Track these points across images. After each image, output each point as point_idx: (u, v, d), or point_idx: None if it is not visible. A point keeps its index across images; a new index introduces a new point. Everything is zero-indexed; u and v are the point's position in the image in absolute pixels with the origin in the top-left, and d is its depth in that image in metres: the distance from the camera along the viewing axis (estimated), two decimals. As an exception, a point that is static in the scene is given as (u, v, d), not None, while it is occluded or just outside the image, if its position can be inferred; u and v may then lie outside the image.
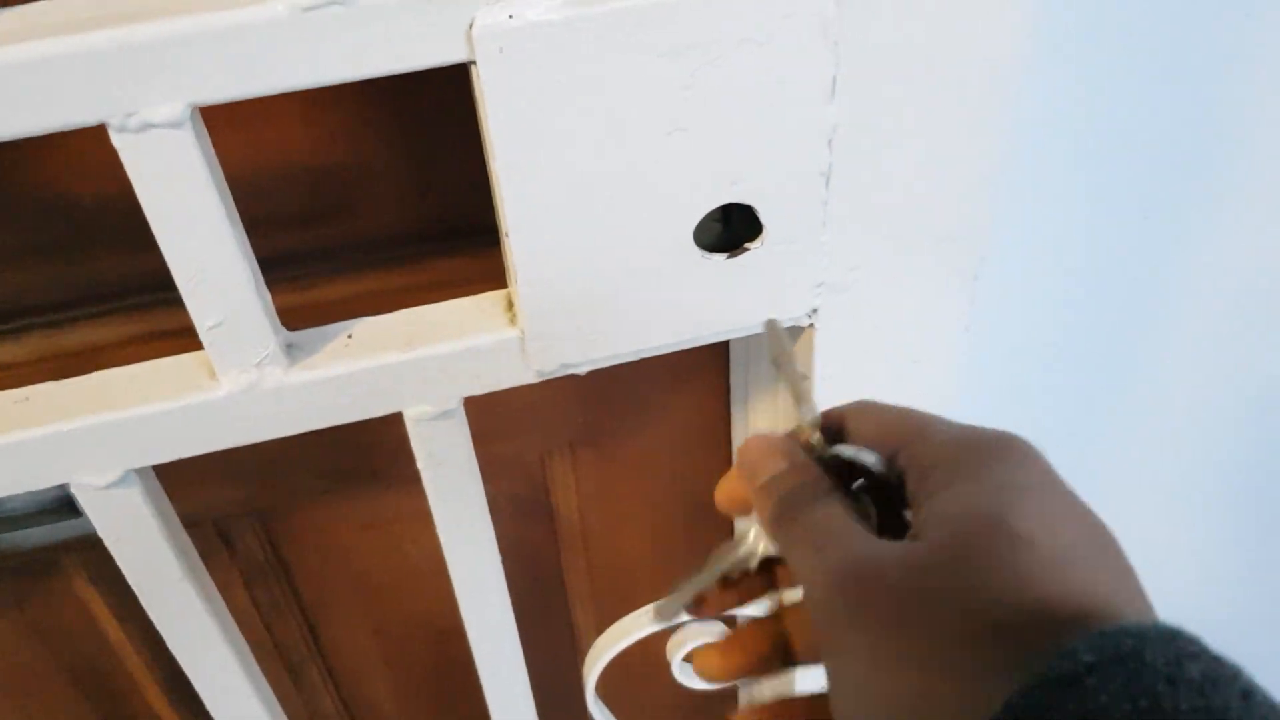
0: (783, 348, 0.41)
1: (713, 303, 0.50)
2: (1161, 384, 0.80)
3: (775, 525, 0.33)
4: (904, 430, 0.34)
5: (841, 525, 0.31)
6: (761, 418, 0.71)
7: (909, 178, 0.49)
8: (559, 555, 0.85)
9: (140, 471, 0.51)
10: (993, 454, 0.31)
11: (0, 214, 0.56)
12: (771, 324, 0.42)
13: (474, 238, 0.64)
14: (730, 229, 0.50)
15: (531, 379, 0.52)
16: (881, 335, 0.54)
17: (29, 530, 0.71)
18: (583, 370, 0.52)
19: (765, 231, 0.48)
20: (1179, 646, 0.23)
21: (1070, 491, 0.30)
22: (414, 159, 0.60)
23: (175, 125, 0.39)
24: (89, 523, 0.66)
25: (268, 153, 0.58)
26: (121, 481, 0.50)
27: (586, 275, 0.48)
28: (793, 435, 0.37)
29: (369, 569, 0.81)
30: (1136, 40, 0.59)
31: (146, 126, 0.39)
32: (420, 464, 0.55)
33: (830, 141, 0.46)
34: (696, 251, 0.48)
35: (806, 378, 0.55)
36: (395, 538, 0.80)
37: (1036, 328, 0.73)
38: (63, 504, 0.69)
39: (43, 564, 0.74)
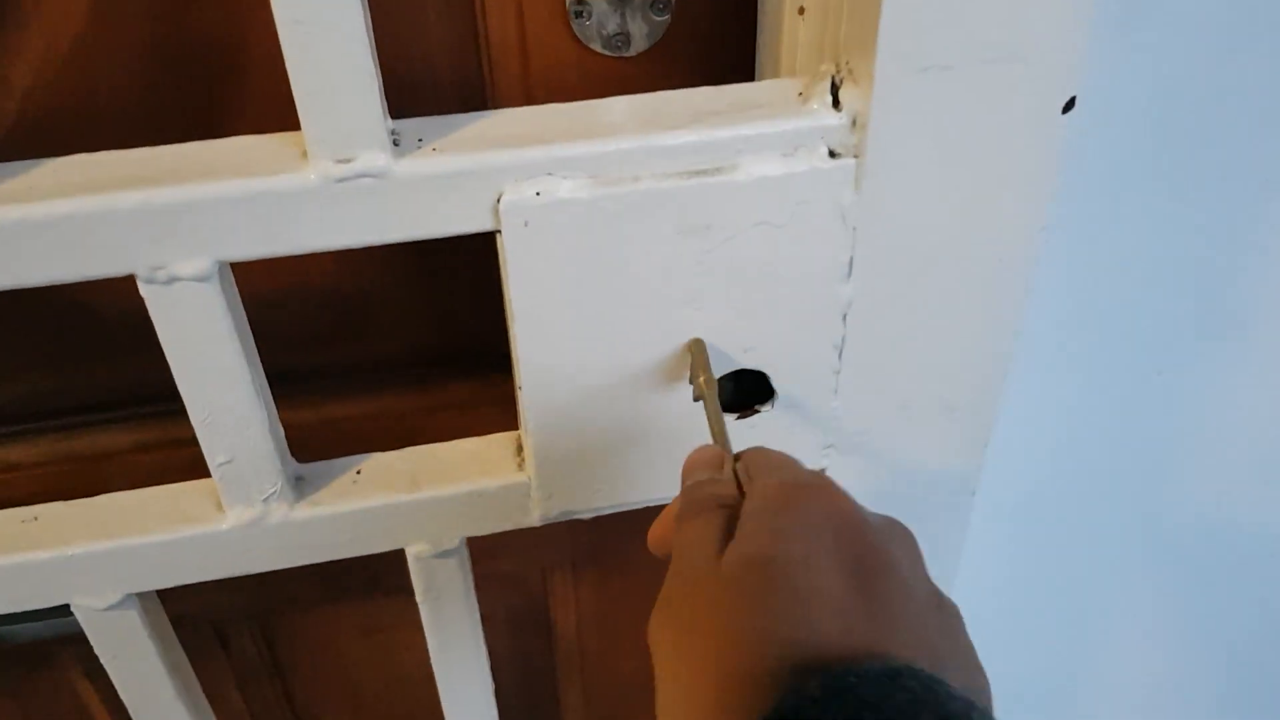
0: (706, 374, 0.43)
1: (720, 461, 0.51)
2: (1162, 547, 0.79)
3: (677, 520, 0.37)
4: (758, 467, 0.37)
5: (699, 541, 0.34)
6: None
7: (919, 349, 0.49)
8: (555, 671, 0.85)
9: (141, 594, 0.51)
10: (793, 501, 0.33)
11: (20, 320, 0.57)
12: (697, 344, 0.45)
13: (483, 362, 0.65)
14: (741, 386, 0.51)
15: (534, 523, 0.52)
16: (888, 497, 0.54)
17: (28, 625, 0.71)
18: (586, 516, 0.52)
19: (777, 396, 0.49)
20: (897, 683, 0.27)
21: (849, 536, 0.32)
22: (429, 285, 0.61)
23: (202, 279, 0.40)
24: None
25: (289, 273, 0.59)
26: (121, 604, 0.50)
27: (597, 430, 0.48)
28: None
29: (362, 674, 0.81)
30: (1141, 221, 0.60)
31: (174, 280, 0.40)
32: (419, 597, 0.55)
33: (845, 316, 0.47)
34: (705, 413, 0.49)
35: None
36: (390, 645, 0.79)
37: (1046, 488, 0.73)
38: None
39: (40, 656, 0.74)
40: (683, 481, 0.40)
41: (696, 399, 0.44)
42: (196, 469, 0.58)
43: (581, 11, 0.49)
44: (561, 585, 0.79)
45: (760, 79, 0.52)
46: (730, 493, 0.37)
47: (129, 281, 0.42)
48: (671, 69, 0.53)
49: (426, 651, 0.79)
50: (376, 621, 0.77)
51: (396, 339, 0.63)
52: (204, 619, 0.73)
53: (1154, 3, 0.50)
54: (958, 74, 0.40)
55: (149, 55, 0.49)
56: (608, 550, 0.77)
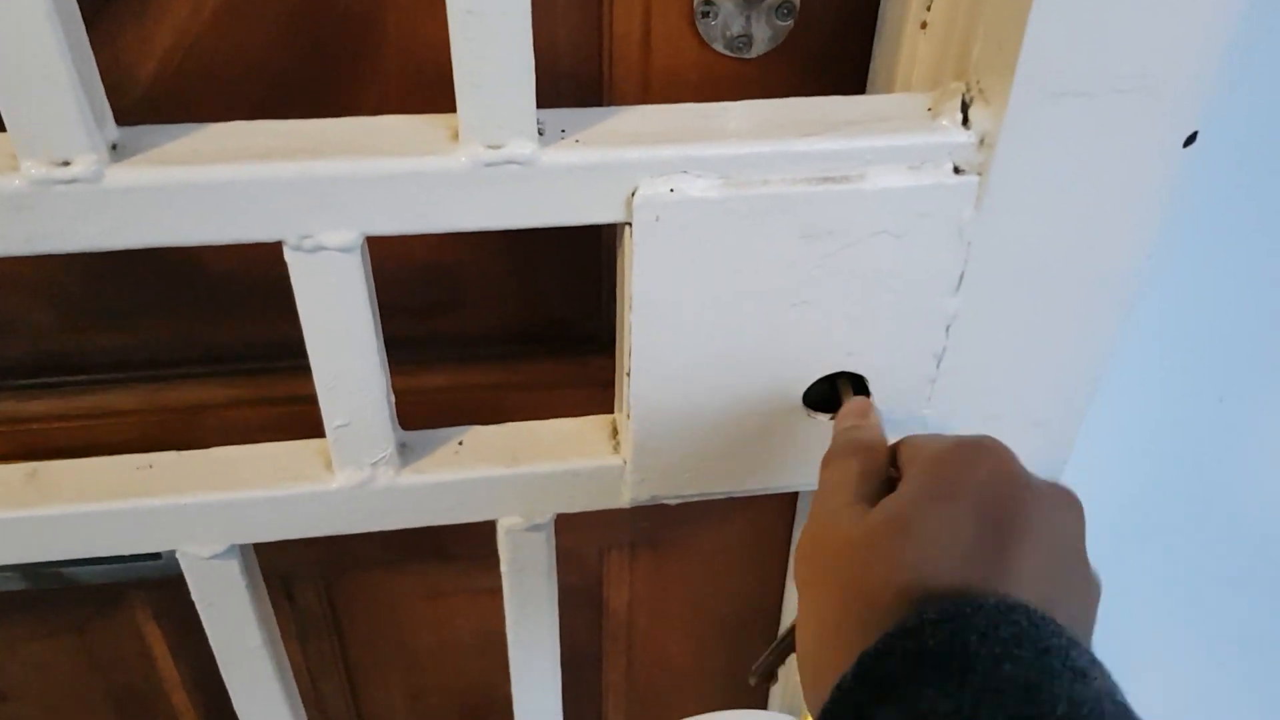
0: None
1: (811, 458, 0.52)
2: (1223, 564, 0.80)
3: (822, 463, 0.40)
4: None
5: (840, 484, 0.38)
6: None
7: (1015, 365, 0.50)
8: (601, 648, 0.87)
9: (242, 546, 0.53)
10: (957, 459, 0.36)
11: (127, 273, 0.59)
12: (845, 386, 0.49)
13: (571, 344, 0.66)
14: (835, 389, 0.52)
15: (624, 504, 0.54)
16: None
17: (99, 567, 0.73)
18: (673, 503, 0.54)
19: (872, 399, 0.50)
20: (1007, 617, 0.30)
21: (1002, 493, 0.34)
22: (524, 265, 0.63)
23: (346, 250, 0.42)
24: (164, 566, 0.69)
25: (392, 245, 0.61)
26: (225, 554, 0.52)
27: (697, 421, 0.50)
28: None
29: (417, 638, 0.83)
30: (1210, 252, 0.61)
31: (319, 249, 0.42)
32: (504, 568, 0.57)
33: (948, 328, 0.48)
34: (803, 411, 0.50)
35: None
36: (448, 611, 0.81)
37: (1127, 507, 0.74)
38: (142, 544, 0.72)
39: (109, 596, 0.76)
40: (840, 416, 0.45)
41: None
42: (284, 427, 0.60)
43: (709, 12, 0.51)
44: (617, 565, 0.81)
45: (874, 89, 0.54)
46: (871, 437, 0.40)
47: (243, 245, 0.43)
48: (788, 74, 0.54)
49: (481, 619, 0.81)
50: (438, 588, 0.79)
51: (487, 316, 0.65)
52: (273, 572, 0.75)
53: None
54: (1089, 102, 0.41)
55: (288, 24, 0.51)
56: (666, 535, 0.79)
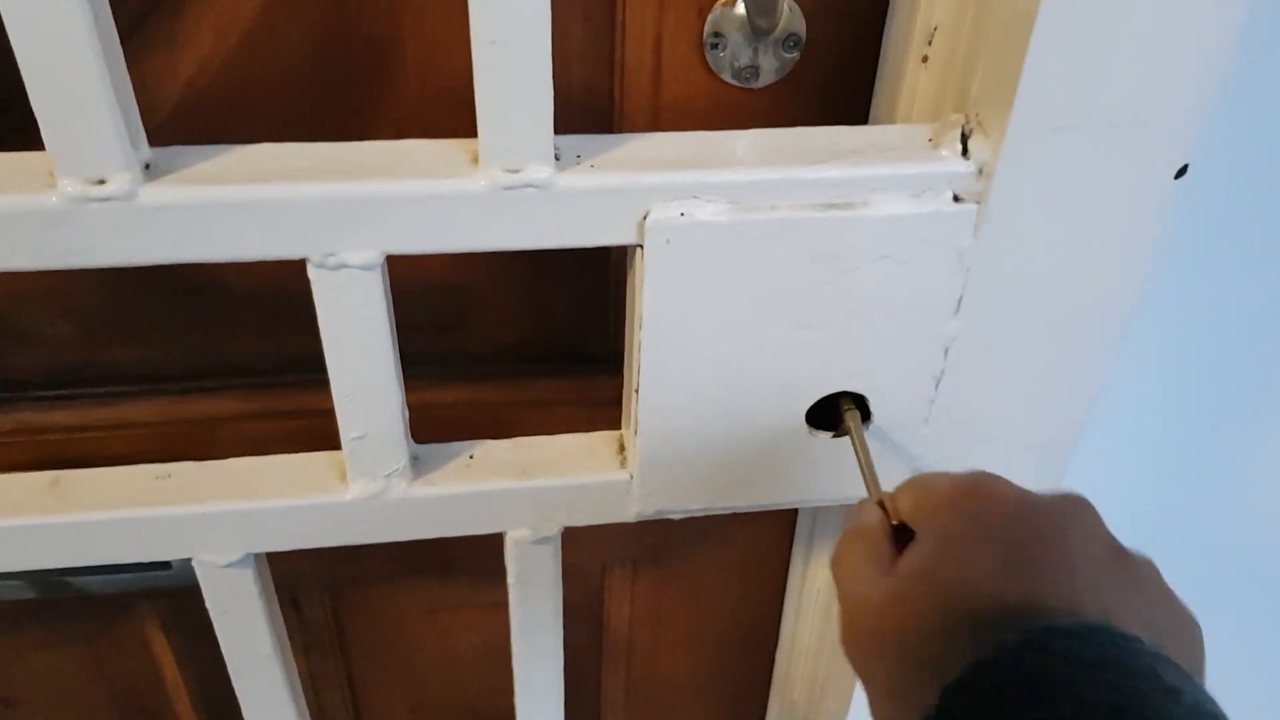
0: (859, 438, 0.49)
1: (812, 474, 0.54)
2: (1212, 589, 0.82)
3: (834, 554, 0.41)
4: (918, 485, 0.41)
5: (853, 567, 0.39)
6: (824, 552, 0.74)
7: (1012, 387, 0.52)
8: (600, 663, 0.88)
9: (257, 555, 0.54)
10: (960, 506, 0.36)
11: (145, 288, 0.61)
12: (852, 414, 0.50)
13: (579, 363, 0.68)
14: (836, 407, 0.54)
15: (629, 519, 0.55)
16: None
17: (108, 577, 0.75)
18: (677, 517, 0.55)
19: (873, 419, 0.52)
20: (1087, 635, 0.30)
21: (1013, 520, 0.35)
22: (534, 286, 0.65)
23: (368, 268, 0.44)
24: (174, 576, 0.70)
25: (408, 263, 0.62)
26: (240, 562, 0.54)
27: (702, 438, 0.51)
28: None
29: (420, 651, 0.84)
30: (1203, 282, 0.63)
31: (342, 266, 0.43)
32: (511, 580, 0.58)
33: (947, 350, 0.50)
34: (805, 429, 0.52)
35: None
36: (452, 625, 0.82)
37: (1120, 532, 0.75)
38: (154, 555, 0.73)
39: (119, 606, 0.77)
40: (848, 519, 0.44)
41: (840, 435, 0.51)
42: (294, 440, 0.62)
43: (718, 43, 0.53)
44: (619, 581, 0.82)
45: (876, 120, 0.55)
46: (861, 520, 0.41)
47: (254, 263, 0.45)
48: (793, 104, 0.56)
49: (484, 633, 0.82)
50: (442, 602, 0.80)
51: (498, 334, 0.66)
52: (280, 584, 0.77)
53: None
54: (1084, 135, 0.43)
55: (310, 51, 0.52)
56: (668, 552, 0.80)
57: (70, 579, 0.75)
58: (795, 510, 0.78)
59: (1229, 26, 0.41)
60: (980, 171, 0.45)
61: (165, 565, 0.72)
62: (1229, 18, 0.41)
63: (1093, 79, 0.42)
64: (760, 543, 0.81)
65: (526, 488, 0.53)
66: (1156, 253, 0.47)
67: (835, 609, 0.54)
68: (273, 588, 0.58)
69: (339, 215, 0.42)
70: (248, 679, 0.60)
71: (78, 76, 0.37)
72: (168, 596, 0.76)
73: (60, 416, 0.63)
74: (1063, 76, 0.42)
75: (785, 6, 0.51)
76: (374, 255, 0.43)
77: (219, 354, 0.65)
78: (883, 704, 0.35)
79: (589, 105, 0.57)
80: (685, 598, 0.83)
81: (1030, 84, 0.41)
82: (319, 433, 0.56)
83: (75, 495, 0.51)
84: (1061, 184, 0.45)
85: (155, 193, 0.40)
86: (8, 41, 0.38)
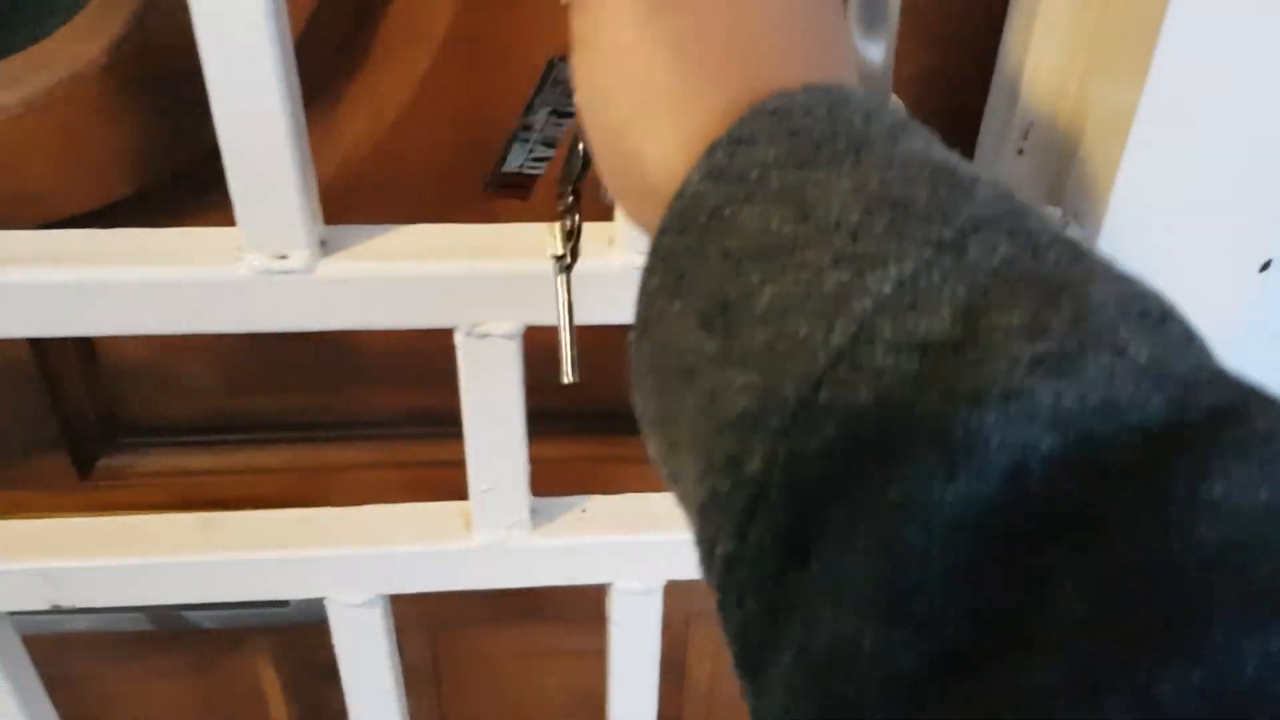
0: None
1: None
2: None
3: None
4: None
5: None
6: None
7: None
8: (681, 716, 0.90)
9: (384, 596, 0.59)
10: None
11: (290, 343, 0.66)
12: None
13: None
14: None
15: (730, 574, 0.59)
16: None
17: (229, 612, 0.79)
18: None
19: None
20: (841, 97, 0.26)
21: None
22: (616, 344, 0.69)
23: (509, 338, 0.48)
24: (289, 614, 0.74)
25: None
26: (369, 603, 0.58)
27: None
28: None
29: (511, 694, 0.88)
30: None
31: (486, 336, 0.48)
32: (612, 629, 0.61)
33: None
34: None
35: None
36: (543, 671, 0.86)
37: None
38: (271, 592, 0.78)
39: (230, 640, 0.82)
40: None
41: None
42: (414, 488, 0.66)
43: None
44: (702, 634, 0.85)
45: (971, 204, 0.59)
46: None
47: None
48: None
49: (574, 682, 0.85)
50: (535, 646, 0.84)
51: (603, 392, 0.71)
52: (385, 624, 0.81)
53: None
54: (1174, 227, 0.46)
55: (453, 134, 0.58)
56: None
57: (188, 613, 0.80)
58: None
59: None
60: (1075, 260, 0.48)
61: (284, 603, 0.77)
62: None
63: (1185, 174, 0.45)
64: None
65: (635, 541, 0.57)
66: (1242, 345, 0.50)
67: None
68: (394, 628, 0.62)
69: (487, 290, 0.47)
70: (365, 713, 0.64)
71: (273, 164, 0.42)
72: (280, 633, 0.81)
73: (202, 461, 0.69)
74: (1159, 174, 0.45)
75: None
76: (515, 326, 0.48)
77: (347, 406, 0.70)
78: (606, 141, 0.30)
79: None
80: (767, 652, 0.86)
81: (1127, 183, 0.45)
82: (435, 482, 0.61)
83: (226, 536, 0.56)
84: (1151, 274, 0.48)
85: (331, 267, 0.45)
86: (206, 133, 0.43)
